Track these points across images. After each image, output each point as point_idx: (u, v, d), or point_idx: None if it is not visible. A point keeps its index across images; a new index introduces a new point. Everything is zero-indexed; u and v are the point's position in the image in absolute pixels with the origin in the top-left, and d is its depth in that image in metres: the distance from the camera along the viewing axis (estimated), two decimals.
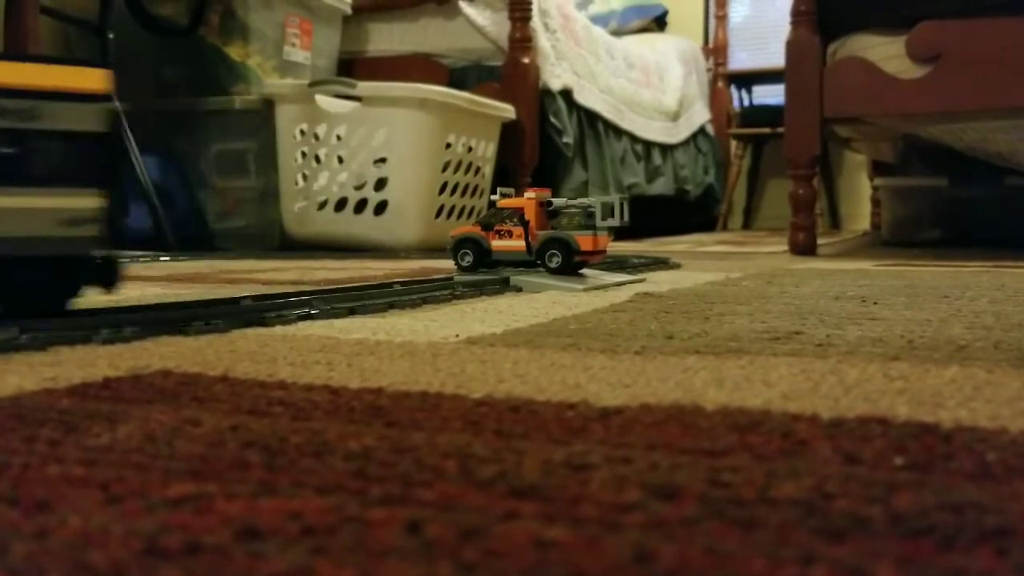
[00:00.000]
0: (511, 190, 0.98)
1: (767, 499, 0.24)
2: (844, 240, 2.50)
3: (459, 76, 2.26)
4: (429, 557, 0.20)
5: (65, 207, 0.52)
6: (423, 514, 0.23)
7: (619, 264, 1.13)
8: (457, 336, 0.56)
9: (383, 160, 1.80)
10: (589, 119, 2.39)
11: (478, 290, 0.84)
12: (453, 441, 0.30)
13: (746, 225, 3.81)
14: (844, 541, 0.21)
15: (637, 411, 0.34)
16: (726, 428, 0.32)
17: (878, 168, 2.60)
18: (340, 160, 1.83)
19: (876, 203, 2.92)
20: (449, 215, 1.89)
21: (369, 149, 1.80)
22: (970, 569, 0.19)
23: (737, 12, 3.85)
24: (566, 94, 2.26)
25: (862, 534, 0.21)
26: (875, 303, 0.75)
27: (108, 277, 0.55)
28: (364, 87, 1.81)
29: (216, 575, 0.19)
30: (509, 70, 2.15)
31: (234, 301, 0.67)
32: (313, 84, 1.84)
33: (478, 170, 1.99)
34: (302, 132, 1.85)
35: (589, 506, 0.23)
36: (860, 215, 3.54)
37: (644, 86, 2.85)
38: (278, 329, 0.60)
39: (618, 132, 2.58)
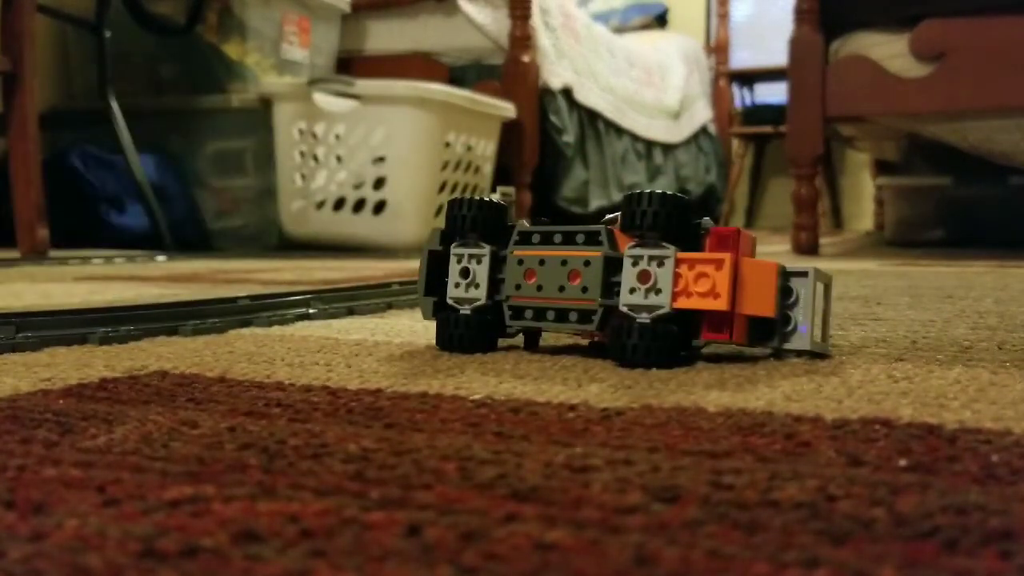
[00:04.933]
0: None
1: (770, 501, 0.24)
2: (847, 240, 2.49)
3: (459, 74, 2.25)
4: (429, 560, 0.20)
5: None
6: (423, 517, 0.22)
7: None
8: None
9: (382, 159, 1.80)
10: (590, 118, 2.39)
11: None
12: (453, 443, 0.30)
13: (748, 225, 3.80)
14: (847, 543, 0.21)
15: (639, 412, 0.34)
16: (728, 430, 0.31)
17: (881, 167, 2.59)
18: (339, 159, 1.83)
19: (879, 203, 2.92)
20: None
21: (368, 148, 1.80)
22: (974, 572, 0.19)
23: (739, 10, 3.85)
24: (567, 93, 2.26)
25: (866, 536, 0.21)
26: (878, 303, 0.75)
27: None
28: (363, 85, 1.81)
29: None
30: (509, 68, 2.15)
31: (231, 301, 0.67)
32: (311, 83, 1.84)
33: (478, 169, 1.98)
34: (300, 131, 1.85)
35: (590, 509, 0.23)
36: (863, 215, 3.54)
37: (645, 85, 2.85)
38: (276, 329, 0.60)
39: (619, 131, 2.57)
